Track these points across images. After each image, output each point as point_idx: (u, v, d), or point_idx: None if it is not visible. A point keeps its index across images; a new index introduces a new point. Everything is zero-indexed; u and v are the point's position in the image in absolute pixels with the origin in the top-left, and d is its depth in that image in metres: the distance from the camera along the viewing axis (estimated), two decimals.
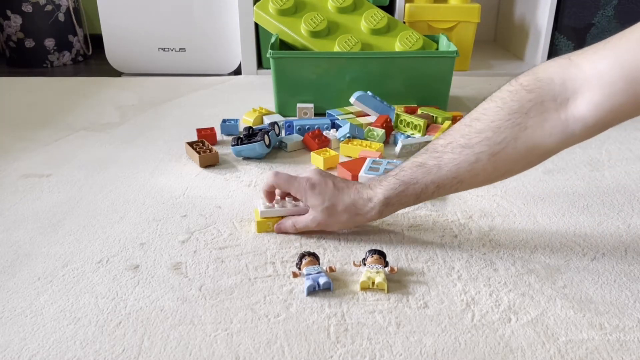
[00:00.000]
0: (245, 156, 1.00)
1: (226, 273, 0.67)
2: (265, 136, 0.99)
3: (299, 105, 1.17)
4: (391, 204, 0.69)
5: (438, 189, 0.67)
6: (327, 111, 1.17)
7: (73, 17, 1.80)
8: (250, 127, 1.03)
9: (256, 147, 0.97)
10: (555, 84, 0.59)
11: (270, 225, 0.75)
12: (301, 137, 1.05)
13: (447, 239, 0.75)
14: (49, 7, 1.72)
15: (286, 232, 0.75)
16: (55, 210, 0.83)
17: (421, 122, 1.05)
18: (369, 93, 1.15)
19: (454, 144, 0.65)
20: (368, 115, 1.15)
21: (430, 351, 0.55)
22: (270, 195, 0.77)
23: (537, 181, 0.92)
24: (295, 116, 1.21)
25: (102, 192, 0.88)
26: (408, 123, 1.08)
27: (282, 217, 0.75)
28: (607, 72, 0.55)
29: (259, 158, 1.00)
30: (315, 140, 1.02)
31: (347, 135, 1.03)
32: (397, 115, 1.09)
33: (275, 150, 1.05)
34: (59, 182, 0.92)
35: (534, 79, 0.60)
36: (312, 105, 1.18)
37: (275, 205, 0.76)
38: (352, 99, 1.12)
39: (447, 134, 0.67)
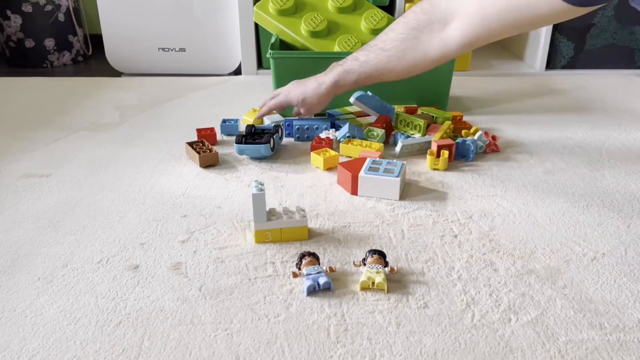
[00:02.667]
0: (247, 155, 1.00)
1: (226, 273, 0.67)
2: (271, 139, 0.99)
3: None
4: (339, 85, 0.98)
5: (368, 77, 0.95)
6: (327, 111, 1.17)
7: (73, 17, 1.80)
8: (252, 126, 1.03)
9: (261, 150, 0.97)
10: (441, 11, 0.84)
11: (269, 235, 0.74)
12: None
13: (447, 239, 0.75)
14: (49, 7, 1.72)
15: (268, 113, 1.10)
16: (55, 210, 0.83)
17: (421, 122, 1.05)
18: (369, 93, 1.15)
19: (376, 47, 0.93)
20: (368, 115, 1.15)
21: (430, 351, 0.55)
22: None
23: (537, 181, 0.92)
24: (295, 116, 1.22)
25: (102, 192, 0.88)
26: (408, 123, 1.08)
27: (281, 228, 0.74)
28: (473, 9, 0.80)
29: (259, 159, 1.00)
30: (322, 144, 1.02)
31: (347, 135, 1.03)
32: (397, 115, 1.09)
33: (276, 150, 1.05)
34: (59, 182, 0.92)
35: (429, 4, 0.86)
36: None
37: (272, 218, 0.74)
38: (352, 99, 1.12)
39: (375, 39, 0.94)
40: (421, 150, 1.02)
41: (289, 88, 1.06)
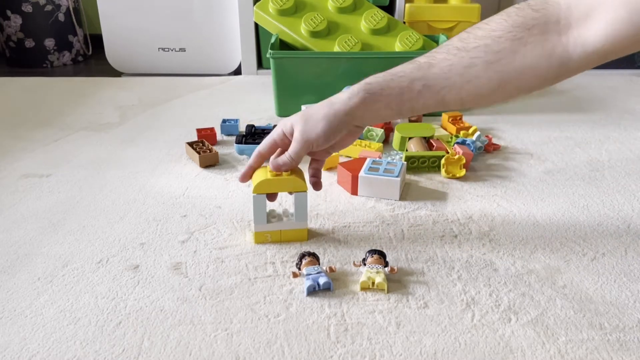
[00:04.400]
0: (247, 155, 1.00)
1: (226, 273, 0.67)
2: None
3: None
4: (373, 91, 0.63)
5: (425, 88, 0.62)
6: None
7: (73, 17, 1.80)
8: (252, 126, 1.03)
9: None
10: (561, 7, 0.58)
11: (268, 236, 0.73)
12: None
13: (447, 239, 0.75)
14: (49, 7, 1.72)
15: (286, 167, 0.69)
16: (55, 210, 0.83)
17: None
18: None
19: (449, 46, 0.63)
20: None
21: (430, 351, 0.55)
22: (252, 170, 0.72)
23: (537, 181, 0.92)
24: None
25: (102, 192, 0.88)
26: (423, 160, 0.95)
27: (280, 230, 0.73)
28: (617, 1, 0.53)
29: None
30: None
31: None
32: (408, 158, 0.95)
33: None
34: (59, 182, 0.92)
35: (542, 0, 0.59)
36: None
37: (272, 219, 0.74)
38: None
39: (444, 43, 0.65)
40: (430, 166, 0.95)
41: (284, 121, 0.70)
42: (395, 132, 1.02)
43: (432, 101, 0.63)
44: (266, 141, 0.71)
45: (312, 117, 0.66)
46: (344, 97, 0.65)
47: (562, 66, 0.58)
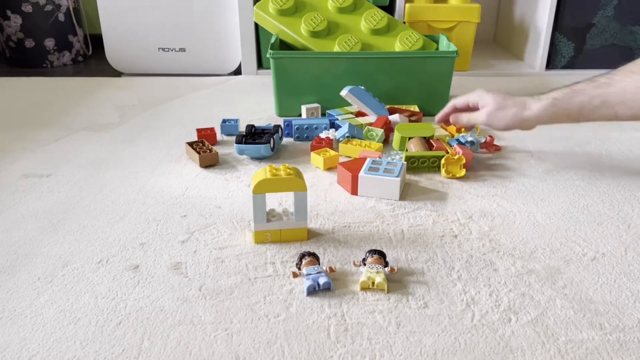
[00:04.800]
0: (247, 155, 1.00)
1: (226, 273, 0.67)
2: (271, 139, 0.99)
3: (305, 106, 1.17)
4: (557, 105, 0.80)
5: (602, 104, 0.77)
6: (327, 111, 1.17)
7: (73, 17, 1.80)
8: (252, 126, 1.03)
9: (261, 150, 0.97)
10: None
11: (268, 236, 0.74)
12: None
13: (447, 239, 0.75)
14: (49, 7, 1.72)
15: (461, 125, 0.94)
16: (55, 210, 0.83)
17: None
18: (362, 88, 1.14)
19: (624, 70, 0.78)
20: (366, 115, 1.15)
21: (430, 351, 0.55)
22: (445, 116, 0.97)
23: (537, 181, 0.92)
24: (295, 116, 1.22)
25: (102, 192, 0.88)
26: (423, 160, 0.95)
27: (280, 229, 0.73)
28: None
29: (259, 159, 1.00)
30: (322, 143, 1.02)
31: (347, 135, 1.03)
32: (408, 158, 0.94)
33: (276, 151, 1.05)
34: (59, 182, 0.92)
35: None
36: (318, 105, 1.18)
37: (272, 219, 0.74)
38: (343, 92, 1.11)
39: (624, 66, 0.78)
40: (430, 166, 0.95)
41: (480, 93, 0.91)
42: (395, 132, 1.02)
43: (607, 115, 0.78)
44: (461, 100, 0.94)
45: (504, 109, 0.85)
46: (536, 108, 0.82)
47: None
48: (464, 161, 0.92)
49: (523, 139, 1.11)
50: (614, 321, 0.59)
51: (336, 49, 1.24)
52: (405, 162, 0.90)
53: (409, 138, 1.01)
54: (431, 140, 1.02)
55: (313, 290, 0.63)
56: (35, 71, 1.74)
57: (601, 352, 0.54)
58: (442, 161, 0.92)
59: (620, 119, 0.77)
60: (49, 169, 0.97)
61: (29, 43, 1.75)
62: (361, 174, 0.86)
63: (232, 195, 0.87)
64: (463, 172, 0.91)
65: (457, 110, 0.95)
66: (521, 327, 0.58)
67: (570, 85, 0.81)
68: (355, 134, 1.04)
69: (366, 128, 1.06)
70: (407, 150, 0.99)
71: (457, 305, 0.61)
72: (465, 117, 0.92)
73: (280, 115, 1.24)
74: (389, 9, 1.58)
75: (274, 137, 1.01)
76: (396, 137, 1.02)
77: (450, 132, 1.09)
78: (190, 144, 1.01)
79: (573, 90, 0.79)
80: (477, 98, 0.90)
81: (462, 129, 1.08)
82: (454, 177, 0.92)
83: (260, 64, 1.65)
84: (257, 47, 1.61)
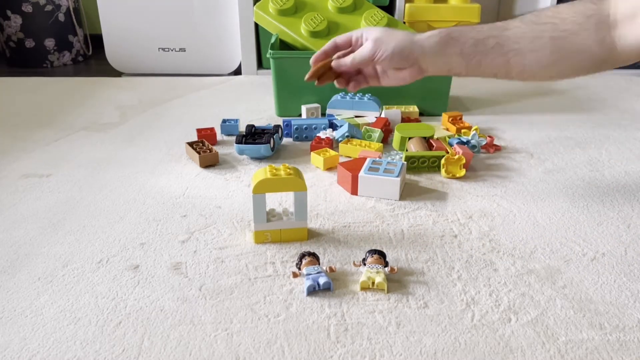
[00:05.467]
0: (247, 155, 1.00)
1: (226, 273, 0.67)
2: (271, 139, 0.99)
3: (305, 106, 1.17)
4: (453, 37, 0.72)
5: (497, 45, 0.71)
6: (327, 111, 1.17)
7: (73, 17, 1.80)
8: (252, 126, 1.03)
9: (261, 150, 0.97)
10: (611, 4, 0.67)
11: (268, 236, 0.74)
12: None
13: (447, 239, 0.75)
14: (49, 7, 1.72)
15: (344, 67, 0.78)
16: (55, 210, 0.83)
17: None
18: (339, 95, 1.16)
19: (524, 17, 0.72)
20: (364, 115, 1.15)
21: (430, 351, 0.55)
22: (324, 55, 0.80)
23: (537, 181, 0.92)
24: (295, 116, 1.22)
25: (102, 192, 0.88)
26: (423, 160, 0.95)
27: (280, 229, 0.73)
28: None
29: (259, 159, 1.00)
30: (321, 143, 1.02)
31: (346, 135, 1.03)
32: (408, 158, 0.94)
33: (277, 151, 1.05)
34: (59, 182, 0.92)
35: None
36: (318, 105, 1.18)
37: (272, 218, 0.74)
38: (327, 111, 1.16)
39: (523, 15, 0.73)
40: (430, 166, 0.95)
41: (364, 28, 0.80)
42: (395, 132, 1.02)
43: (499, 61, 0.72)
44: (343, 36, 0.80)
45: (390, 34, 0.75)
46: (425, 34, 0.74)
47: (609, 55, 0.69)
48: (464, 161, 0.92)
49: (523, 139, 1.11)
50: (614, 321, 0.59)
51: None
52: (405, 162, 0.90)
53: (409, 138, 1.01)
54: (431, 140, 1.02)
55: (313, 290, 0.63)
56: (35, 71, 1.75)
57: (601, 352, 0.54)
58: (442, 161, 0.92)
59: (510, 70, 0.72)
60: (49, 169, 0.97)
61: (29, 43, 1.75)
62: (361, 174, 0.86)
63: (232, 195, 0.87)
64: (463, 172, 0.91)
65: (337, 47, 0.81)
66: (521, 327, 0.58)
67: (468, 25, 0.79)
68: (355, 133, 1.04)
69: (364, 128, 1.06)
70: (407, 150, 0.99)
71: (457, 305, 0.61)
72: (349, 58, 0.78)
73: (280, 115, 1.24)
74: (389, 9, 1.58)
75: (274, 137, 1.01)
76: (396, 137, 1.02)
77: (451, 131, 1.09)
78: (190, 144, 1.01)
79: (469, 27, 0.74)
80: (362, 31, 0.79)
81: (462, 130, 1.09)
82: (453, 177, 0.92)
83: (260, 64, 1.65)
84: (257, 47, 1.61)
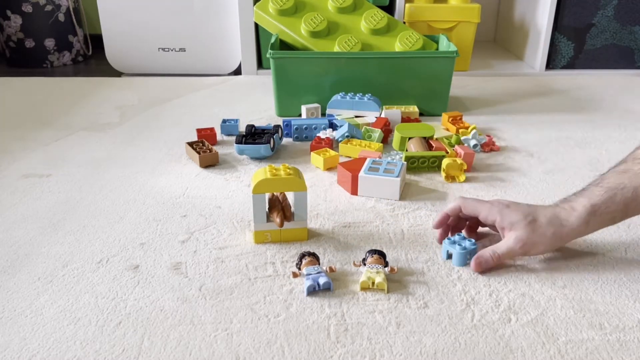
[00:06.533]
0: (247, 155, 1.00)
1: (226, 273, 0.67)
2: (271, 139, 0.99)
3: (305, 106, 1.17)
4: (598, 212, 0.64)
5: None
6: (327, 111, 1.17)
7: (73, 17, 1.80)
8: (252, 126, 1.03)
9: (261, 150, 0.97)
10: None
11: (268, 236, 0.73)
12: None
13: None
14: (49, 7, 1.72)
15: (487, 266, 0.66)
16: (55, 210, 0.83)
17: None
18: (339, 96, 1.16)
19: None
20: (364, 116, 1.15)
21: (430, 351, 0.55)
22: (443, 221, 0.71)
23: (537, 181, 0.92)
24: (295, 116, 1.22)
25: (102, 192, 0.88)
26: (423, 160, 0.95)
27: (280, 229, 0.73)
28: None
29: (259, 159, 1.00)
30: (321, 144, 1.02)
31: (346, 135, 1.03)
32: (408, 158, 0.94)
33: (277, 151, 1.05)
34: (59, 182, 0.92)
35: None
36: (318, 105, 1.18)
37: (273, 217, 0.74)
38: (327, 111, 1.16)
39: None
40: (430, 166, 0.95)
41: (494, 209, 0.68)
42: (395, 132, 1.02)
43: None
44: (455, 210, 0.70)
45: (539, 231, 0.65)
46: (573, 221, 0.65)
47: None
48: (465, 167, 0.92)
49: (523, 139, 1.11)
50: (614, 321, 0.59)
51: (336, 49, 1.24)
52: (405, 162, 0.90)
53: (409, 138, 1.01)
54: (430, 141, 1.02)
55: (313, 290, 0.63)
56: (35, 71, 1.74)
57: (601, 352, 0.54)
58: (443, 166, 0.92)
59: None
60: (49, 169, 0.97)
61: (29, 43, 1.75)
62: (361, 174, 0.86)
63: (232, 195, 0.87)
64: (464, 177, 0.91)
65: (447, 217, 0.72)
66: (521, 327, 0.58)
67: (597, 184, 0.67)
68: (355, 133, 1.04)
69: (364, 128, 1.06)
70: (407, 150, 0.99)
71: (457, 305, 0.61)
72: (488, 252, 0.67)
73: (280, 115, 1.24)
74: (389, 9, 1.58)
75: (274, 137, 1.01)
76: (396, 137, 1.02)
77: (451, 131, 1.09)
78: (190, 144, 1.01)
79: (609, 189, 0.65)
80: (491, 215, 0.68)
81: (461, 130, 1.08)
82: (454, 182, 0.92)
83: (260, 64, 1.65)
84: (257, 47, 1.61)
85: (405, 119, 1.15)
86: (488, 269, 0.67)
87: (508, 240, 0.66)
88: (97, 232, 0.76)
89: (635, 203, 0.64)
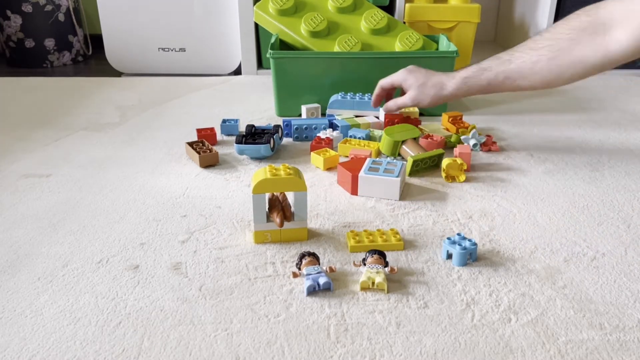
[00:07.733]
0: (247, 155, 1.00)
1: (226, 273, 0.67)
2: (271, 139, 0.99)
3: (305, 106, 1.17)
4: (468, 83, 0.92)
5: (505, 79, 0.88)
6: (327, 111, 1.17)
7: (73, 17, 1.80)
8: (252, 126, 1.03)
9: (261, 150, 0.97)
10: (607, 12, 0.79)
11: (268, 236, 0.74)
12: None
13: None
14: (49, 7, 1.72)
15: (392, 110, 1.06)
16: (55, 210, 0.83)
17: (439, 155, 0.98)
18: (339, 96, 1.16)
19: (524, 46, 0.87)
20: (365, 115, 1.15)
21: (430, 351, 0.55)
22: (382, 92, 1.06)
23: (537, 181, 0.92)
24: (295, 116, 1.22)
25: (102, 192, 0.88)
26: (425, 161, 0.94)
27: (280, 229, 0.73)
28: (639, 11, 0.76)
29: (259, 159, 1.00)
30: (321, 144, 1.02)
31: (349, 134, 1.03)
32: (415, 162, 0.93)
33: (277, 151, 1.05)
34: (59, 182, 0.92)
35: (595, 7, 0.81)
36: (318, 105, 1.18)
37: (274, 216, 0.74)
38: (327, 111, 1.16)
39: (524, 42, 0.88)
40: (433, 165, 0.95)
41: (404, 75, 1.01)
42: (384, 136, 0.97)
43: (511, 88, 0.90)
44: (387, 81, 1.04)
45: (425, 88, 0.98)
46: (451, 85, 0.95)
47: (604, 58, 0.80)
48: (465, 167, 0.91)
49: (523, 139, 1.11)
50: (614, 321, 0.59)
51: (336, 49, 1.24)
52: (405, 163, 0.90)
53: (402, 142, 0.98)
54: (422, 138, 1.01)
55: (313, 290, 0.63)
56: (35, 71, 1.75)
57: (601, 352, 0.54)
58: (443, 166, 0.91)
59: (523, 90, 0.90)
60: (49, 169, 0.97)
61: (29, 43, 1.75)
62: (361, 174, 0.86)
63: (232, 195, 0.87)
64: (464, 177, 0.91)
65: (384, 91, 1.06)
66: (521, 327, 0.58)
67: (478, 64, 0.92)
68: (355, 133, 1.05)
69: (370, 130, 1.07)
70: (399, 155, 0.98)
71: (457, 305, 0.61)
72: (392, 104, 1.04)
73: (280, 115, 1.24)
74: (389, 9, 1.58)
75: (274, 137, 1.01)
76: (388, 141, 0.97)
77: (451, 131, 1.09)
78: (190, 144, 1.01)
79: (480, 68, 0.91)
80: (401, 80, 1.01)
81: (460, 130, 1.08)
82: (454, 182, 0.92)
83: (260, 64, 1.65)
84: (257, 47, 1.61)
85: (406, 119, 1.15)
86: (393, 111, 1.08)
87: (405, 96, 1.01)
88: (97, 232, 0.76)
89: (496, 82, 0.90)
